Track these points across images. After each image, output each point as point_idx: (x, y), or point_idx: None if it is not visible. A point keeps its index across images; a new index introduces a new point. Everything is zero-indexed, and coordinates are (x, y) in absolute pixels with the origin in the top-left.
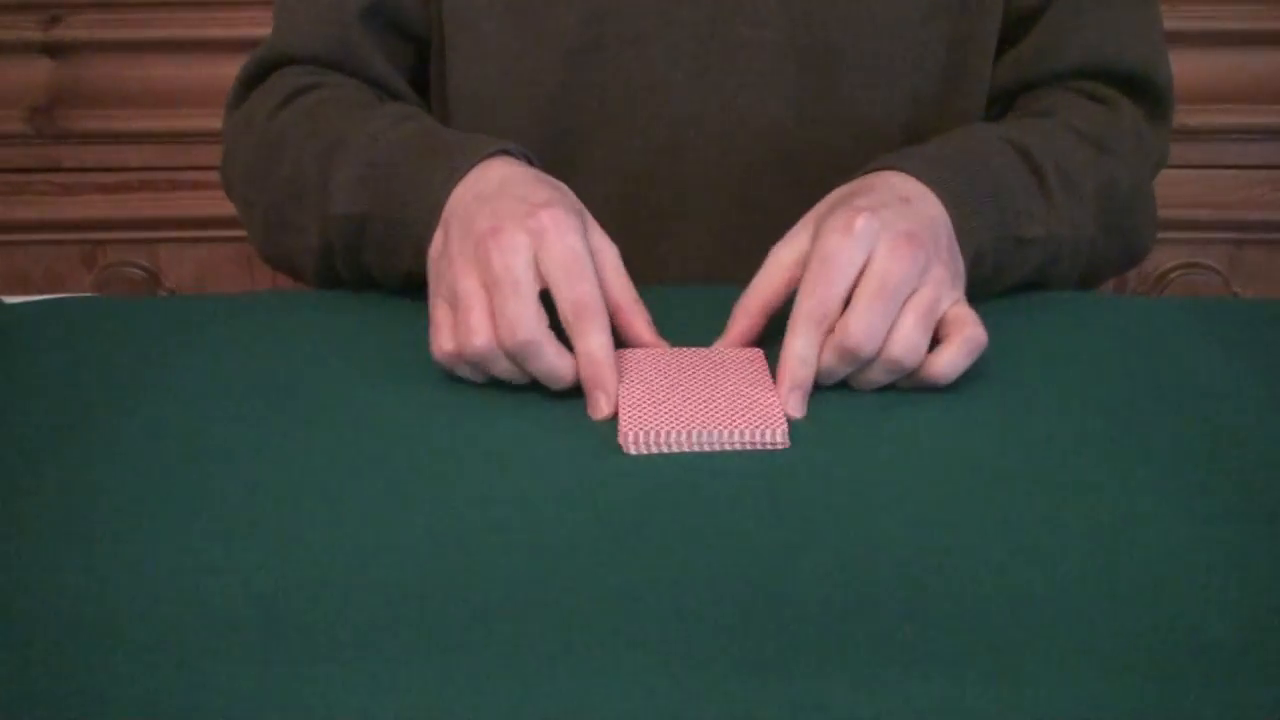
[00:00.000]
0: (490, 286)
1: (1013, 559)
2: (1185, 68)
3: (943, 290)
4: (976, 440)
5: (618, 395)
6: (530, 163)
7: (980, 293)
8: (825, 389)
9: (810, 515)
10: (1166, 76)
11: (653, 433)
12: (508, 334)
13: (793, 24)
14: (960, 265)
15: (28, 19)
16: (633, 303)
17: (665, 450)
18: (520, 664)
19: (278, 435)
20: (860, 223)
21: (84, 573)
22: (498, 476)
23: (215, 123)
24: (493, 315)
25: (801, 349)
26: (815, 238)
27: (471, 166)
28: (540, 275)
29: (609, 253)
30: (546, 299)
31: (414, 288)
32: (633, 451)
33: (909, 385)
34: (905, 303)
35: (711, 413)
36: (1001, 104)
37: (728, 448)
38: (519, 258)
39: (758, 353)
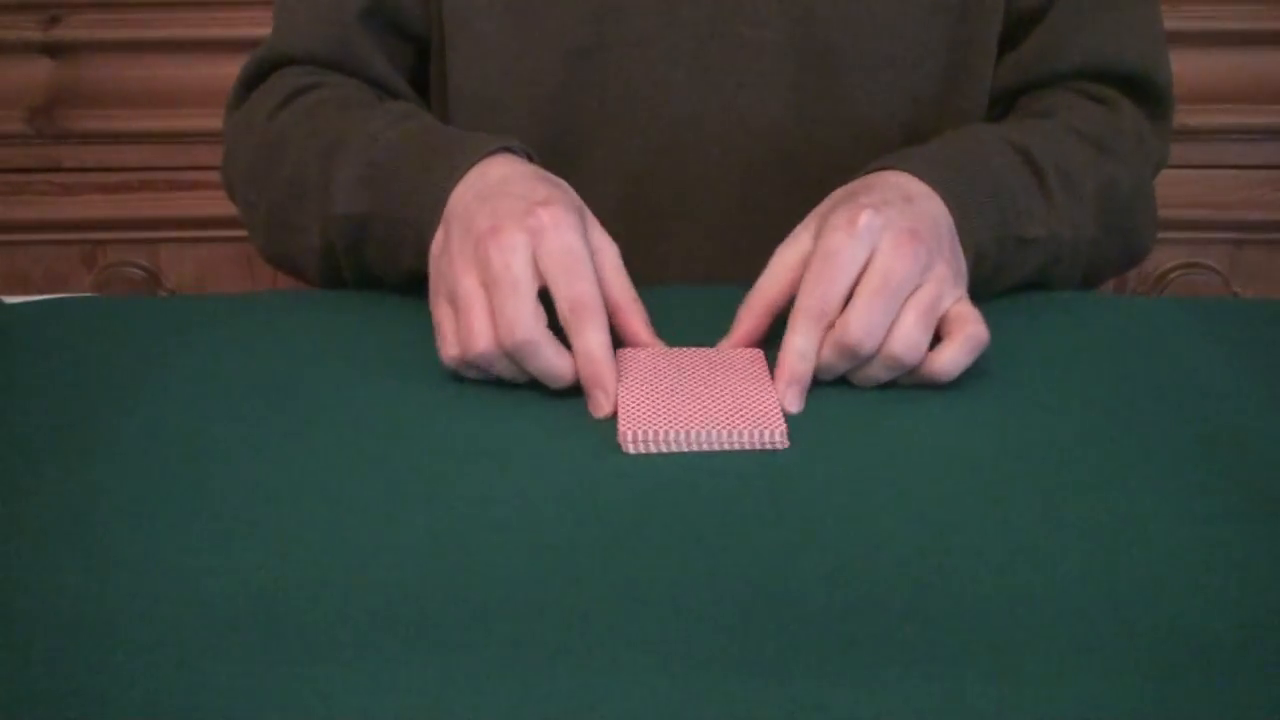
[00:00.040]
0: (489, 286)
1: (1013, 559)
2: (1185, 68)
3: (945, 288)
4: (976, 440)
5: (617, 394)
6: (531, 159)
7: (981, 292)
8: (826, 390)
9: (810, 515)
10: (1167, 77)
11: (651, 432)
12: (506, 334)
13: (793, 24)
14: (962, 264)
15: (28, 19)
16: (631, 301)
17: (664, 450)
18: (520, 664)
19: (277, 435)
20: (864, 220)
21: (84, 573)
22: (498, 476)
23: (215, 123)
24: (493, 316)
25: (800, 345)
26: (819, 234)
27: (472, 165)
28: (539, 274)
29: (609, 251)
30: (547, 298)
31: (416, 286)
32: (631, 451)
33: (910, 382)
34: (907, 300)
35: (711, 413)
36: (1003, 105)
37: (727, 448)
38: (518, 256)
39: (758, 353)
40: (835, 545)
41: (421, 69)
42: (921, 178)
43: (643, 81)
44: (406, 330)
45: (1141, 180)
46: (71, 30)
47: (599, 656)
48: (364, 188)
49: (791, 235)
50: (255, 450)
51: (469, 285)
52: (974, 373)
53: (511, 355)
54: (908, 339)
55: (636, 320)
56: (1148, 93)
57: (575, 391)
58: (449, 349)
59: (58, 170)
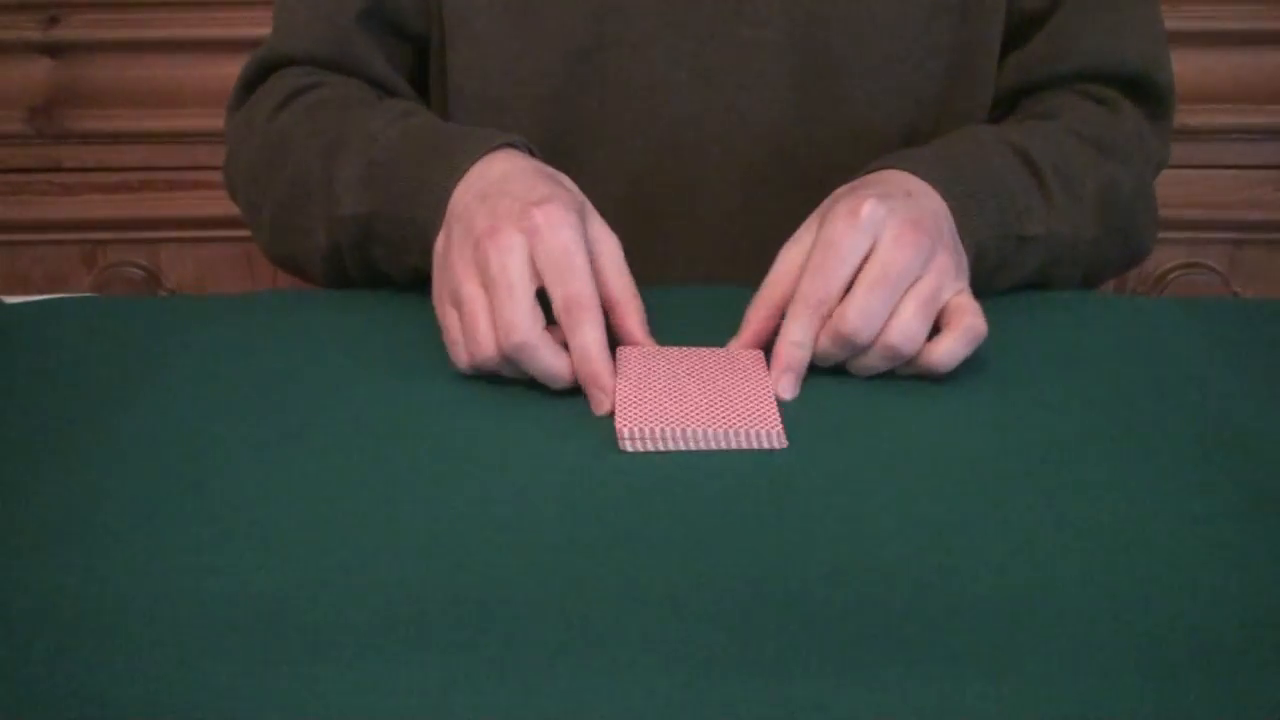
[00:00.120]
0: (488, 288)
1: (1013, 559)
2: (1185, 68)
3: (946, 279)
4: (976, 440)
5: (616, 390)
6: (533, 154)
7: (982, 291)
8: (826, 389)
9: (810, 515)
10: (1168, 78)
11: (649, 430)
12: (503, 337)
13: (794, 25)
14: (963, 256)
15: (27, 19)
16: (629, 298)
17: (661, 448)
18: (520, 664)
19: (277, 435)
20: (866, 210)
21: (84, 573)
22: (498, 476)
23: (215, 123)
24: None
25: (796, 333)
26: (822, 223)
27: (473, 163)
28: (537, 273)
29: (609, 245)
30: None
31: (415, 285)
32: (629, 449)
33: (909, 373)
34: (907, 291)
35: (709, 412)
36: (1005, 106)
37: (724, 447)
38: (515, 257)
39: (757, 354)
40: (835, 545)
41: (421, 69)
42: (921, 176)
43: (643, 82)
44: (406, 330)
45: (1142, 181)
46: (71, 30)
47: (599, 656)
48: (367, 188)
49: (795, 235)
50: (255, 450)
51: (470, 289)
52: (974, 372)
53: (509, 358)
54: (905, 330)
55: (632, 318)
56: (1149, 93)
57: (575, 391)
58: (459, 355)
59: (58, 170)
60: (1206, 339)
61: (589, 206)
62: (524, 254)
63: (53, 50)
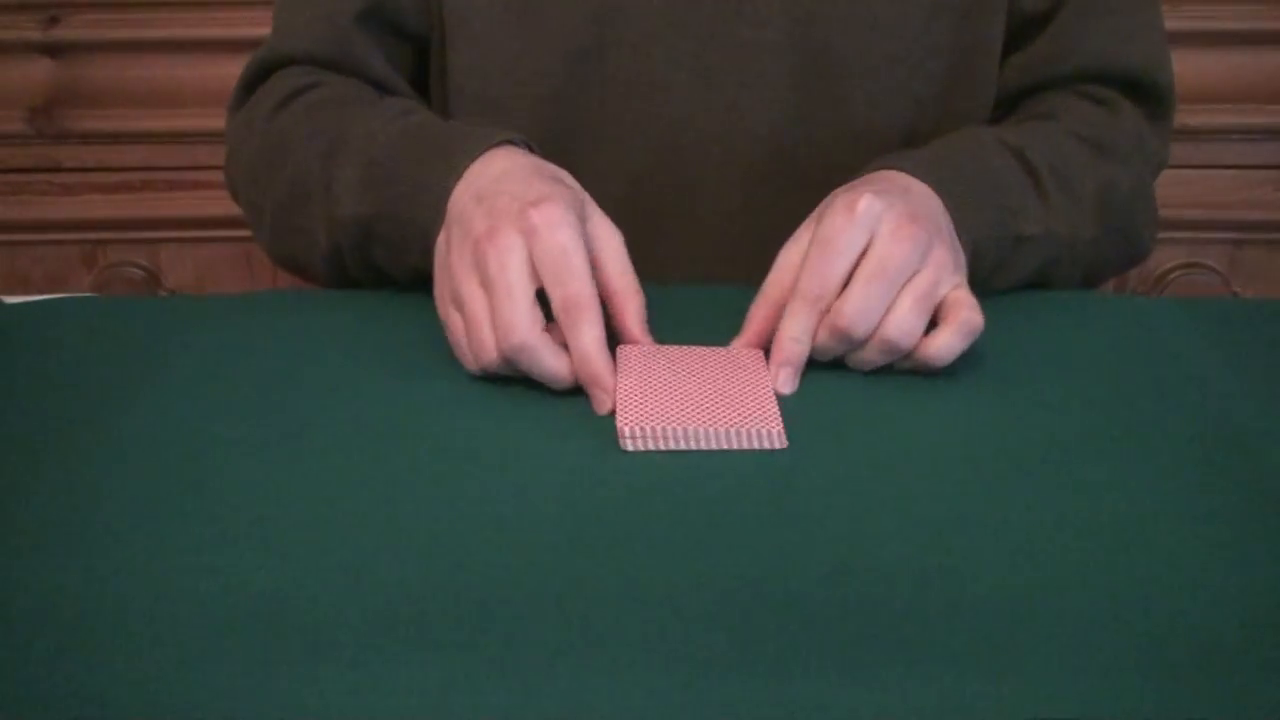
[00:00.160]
0: (488, 291)
1: (1013, 559)
2: (1185, 68)
3: (943, 273)
4: (977, 440)
5: (616, 389)
6: (531, 150)
7: (981, 292)
8: (826, 389)
9: (810, 515)
10: (1169, 79)
11: (650, 429)
12: (503, 340)
13: (794, 25)
14: (960, 253)
15: (28, 19)
16: (631, 293)
17: (662, 447)
18: (520, 664)
19: (277, 435)
20: (863, 204)
21: (84, 573)
22: (498, 476)
23: (215, 123)
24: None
25: (794, 328)
26: (819, 219)
27: (471, 162)
28: (536, 274)
29: (610, 239)
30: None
31: (416, 285)
32: (630, 447)
33: (907, 367)
34: (905, 285)
35: (709, 410)
36: (1006, 107)
37: (724, 446)
38: (513, 258)
39: (758, 353)
40: (835, 545)
41: (422, 69)
42: (918, 176)
43: (643, 82)
44: (406, 330)
45: (1140, 181)
46: (71, 30)
47: (599, 656)
48: (366, 189)
49: (794, 235)
50: (255, 450)
51: (471, 291)
52: (974, 372)
53: (509, 361)
54: (902, 324)
55: (630, 313)
56: (1149, 94)
57: (576, 391)
58: (465, 358)
59: (58, 170)
60: (1206, 339)
61: (589, 202)
62: (522, 255)
63: (53, 50)
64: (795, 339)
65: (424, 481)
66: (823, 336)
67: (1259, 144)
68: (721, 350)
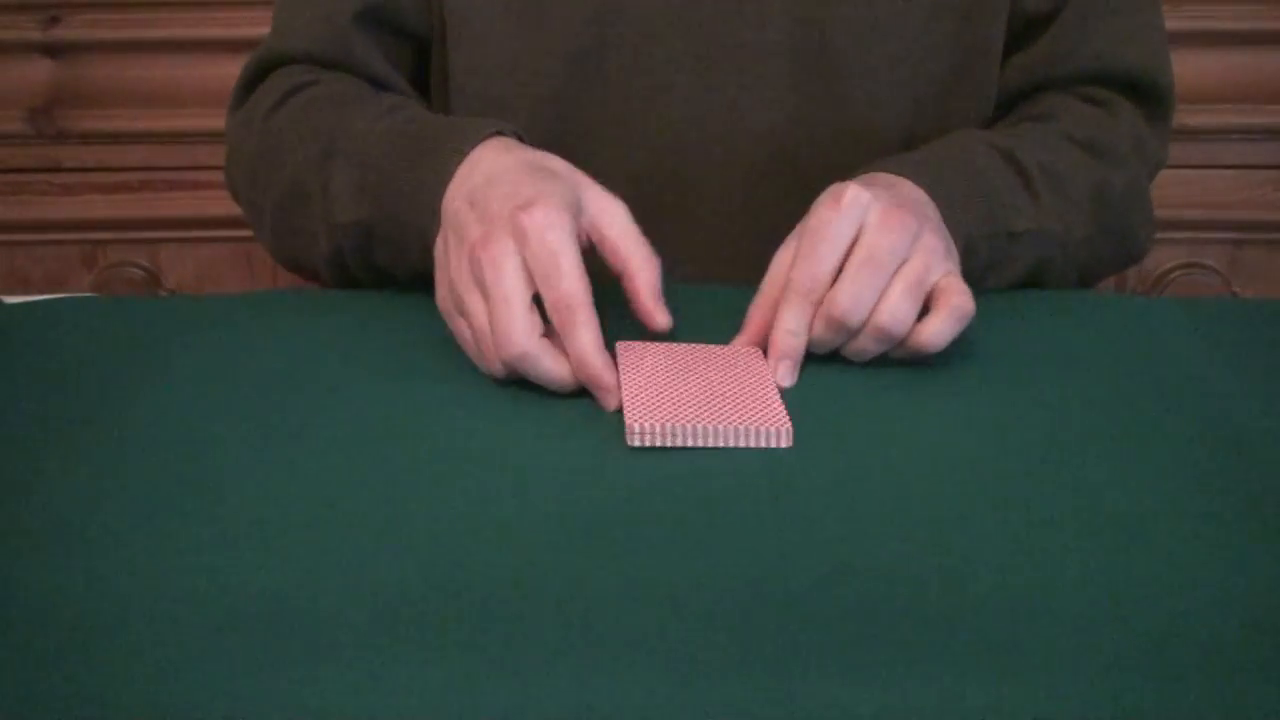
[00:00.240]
0: (486, 300)
1: (1013, 559)
2: (1185, 68)
3: (934, 260)
4: (976, 440)
5: (621, 387)
6: (521, 140)
7: (977, 290)
8: (826, 389)
9: (810, 515)
10: (1169, 80)
11: (658, 426)
12: (502, 350)
13: (794, 26)
14: (951, 242)
15: (28, 19)
16: (642, 260)
17: (669, 443)
18: (520, 664)
19: (277, 435)
20: (849, 195)
21: (84, 573)
22: (498, 476)
23: (215, 123)
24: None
25: (790, 320)
26: (808, 214)
27: (460, 161)
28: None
29: (614, 214)
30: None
31: (417, 285)
32: (637, 444)
33: (901, 355)
34: (896, 272)
35: (717, 408)
36: (1008, 108)
37: (731, 444)
38: (508, 264)
39: (758, 351)
40: (835, 545)
41: (422, 68)
42: (906, 176)
43: (644, 83)
44: (406, 330)
45: (1136, 182)
46: (71, 30)
47: (599, 656)
48: (362, 193)
49: (789, 238)
50: (255, 450)
51: (472, 300)
52: (975, 372)
53: (511, 369)
54: (895, 311)
55: (641, 287)
56: (1150, 95)
57: (577, 391)
58: (480, 365)
59: (58, 170)
60: (1206, 339)
61: (585, 184)
62: (516, 261)
63: (53, 50)
64: (791, 332)
65: (424, 481)
66: (818, 328)
67: (1259, 144)
68: (723, 349)
